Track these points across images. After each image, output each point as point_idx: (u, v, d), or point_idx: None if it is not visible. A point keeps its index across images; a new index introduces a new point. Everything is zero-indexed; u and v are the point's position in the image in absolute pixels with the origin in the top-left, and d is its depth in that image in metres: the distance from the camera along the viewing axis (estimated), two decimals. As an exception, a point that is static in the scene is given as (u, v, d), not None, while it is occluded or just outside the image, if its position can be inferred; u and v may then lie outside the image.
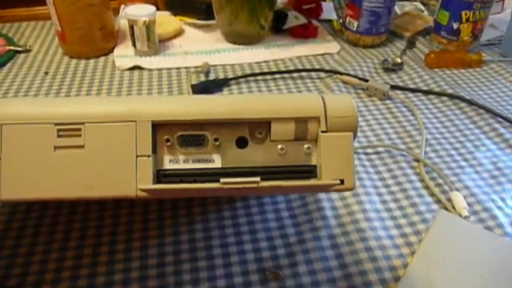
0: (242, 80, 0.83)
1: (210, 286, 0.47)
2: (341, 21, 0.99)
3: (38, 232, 0.52)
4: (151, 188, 0.33)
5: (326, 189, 0.35)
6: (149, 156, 0.35)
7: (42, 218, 0.54)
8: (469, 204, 0.57)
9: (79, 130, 0.34)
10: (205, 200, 0.56)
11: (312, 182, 0.34)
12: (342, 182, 0.35)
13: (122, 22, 1.00)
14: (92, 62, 0.88)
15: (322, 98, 0.37)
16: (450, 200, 0.57)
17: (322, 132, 0.36)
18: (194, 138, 0.36)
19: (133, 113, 0.35)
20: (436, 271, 0.48)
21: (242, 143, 0.37)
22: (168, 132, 0.36)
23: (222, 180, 0.33)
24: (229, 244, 0.51)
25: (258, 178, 0.33)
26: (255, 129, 0.37)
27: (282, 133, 0.36)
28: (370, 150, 0.66)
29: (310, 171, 0.36)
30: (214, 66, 0.88)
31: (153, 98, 0.36)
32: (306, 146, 0.37)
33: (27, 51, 0.90)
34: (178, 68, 0.86)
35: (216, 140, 0.36)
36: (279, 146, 0.37)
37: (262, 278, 0.48)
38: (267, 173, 0.36)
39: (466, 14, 0.85)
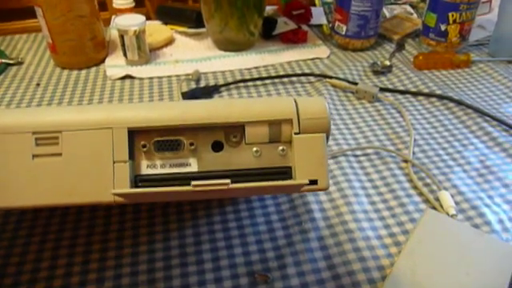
0: (232, 86, 0.83)
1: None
2: (330, 25, 0.99)
3: (28, 241, 0.53)
4: (125, 192, 0.34)
5: (300, 189, 0.36)
6: (125, 162, 0.35)
7: (33, 228, 0.54)
8: (457, 202, 0.57)
9: (56, 138, 0.35)
10: (195, 205, 0.57)
11: (284, 182, 0.35)
12: (316, 182, 0.36)
13: (113, 33, 1.01)
14: (83, 72, 0.88)
15: (295, 101, 0.37)
16: (438, 199, 0.58)
17: (295, 134, 0.37)
18: (169, 143, 0.37)
19: (109, 120, 0.35)
20: (422, 268, 0.48)
21: (217, 147, 0.37)
22: (145, 138, 0.36)
23: (193, 183, 0.33)
24: (218, 248, 0.52)
25: (228, 180, 0.33)
26: (230, 132, 0.37)
27: (257, 136, 0.37)
28: (359, 152, 0.66)
29: (284, 172, 0.37)
30: (205, 73, 0.88)
31: (129, 105, 0.37)
32: (280, 147, 0.37)
33: (19, 63, 0.91)
34: (169, 76, 0.87)
35: (192, 144, 0.37)
36: (254, 149, 0.37)
37: (251, 281, 0.48)
38: (243, 175, 0.36)
39: (452, 15, 0.86)
